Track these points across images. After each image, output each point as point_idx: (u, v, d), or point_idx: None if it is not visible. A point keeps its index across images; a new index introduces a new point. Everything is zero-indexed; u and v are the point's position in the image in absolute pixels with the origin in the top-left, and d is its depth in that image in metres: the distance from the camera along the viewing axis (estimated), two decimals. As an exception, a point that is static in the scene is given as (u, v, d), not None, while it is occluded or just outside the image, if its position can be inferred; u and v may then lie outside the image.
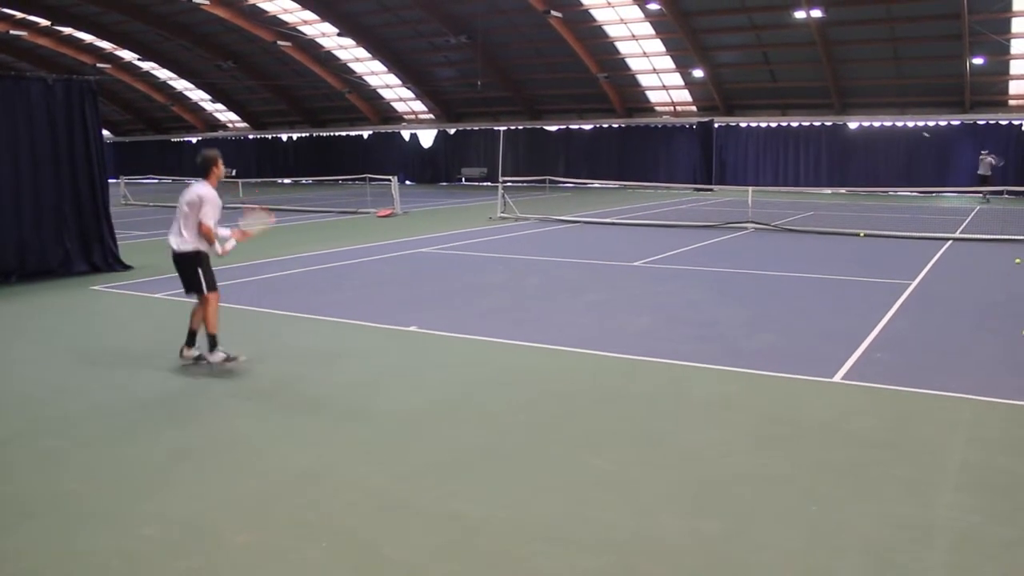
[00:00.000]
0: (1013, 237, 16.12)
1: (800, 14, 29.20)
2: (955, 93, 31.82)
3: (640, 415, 5.93)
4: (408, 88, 43.08)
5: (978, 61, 29.50)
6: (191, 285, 7.25)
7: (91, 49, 46.78)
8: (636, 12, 32.74)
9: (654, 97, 38.95)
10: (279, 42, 39.57)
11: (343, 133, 48.38)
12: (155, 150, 55.40)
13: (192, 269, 7.20)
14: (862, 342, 7.85)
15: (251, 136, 52.06)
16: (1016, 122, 31.66)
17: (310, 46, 41.24)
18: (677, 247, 15.41)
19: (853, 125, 34.76)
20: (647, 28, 33.86)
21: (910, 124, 33.65)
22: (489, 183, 39.82)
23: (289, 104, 48.27)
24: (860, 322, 8.70)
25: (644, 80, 37.87)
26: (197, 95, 51.55)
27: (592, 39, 35.32)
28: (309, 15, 37.89)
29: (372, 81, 43.92)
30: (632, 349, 7.67)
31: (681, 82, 37.00)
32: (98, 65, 46.38)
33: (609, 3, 32.61)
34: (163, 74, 48.96)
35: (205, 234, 7.04)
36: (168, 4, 37.81)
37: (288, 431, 5.59)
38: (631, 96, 38.99)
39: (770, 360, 7.30)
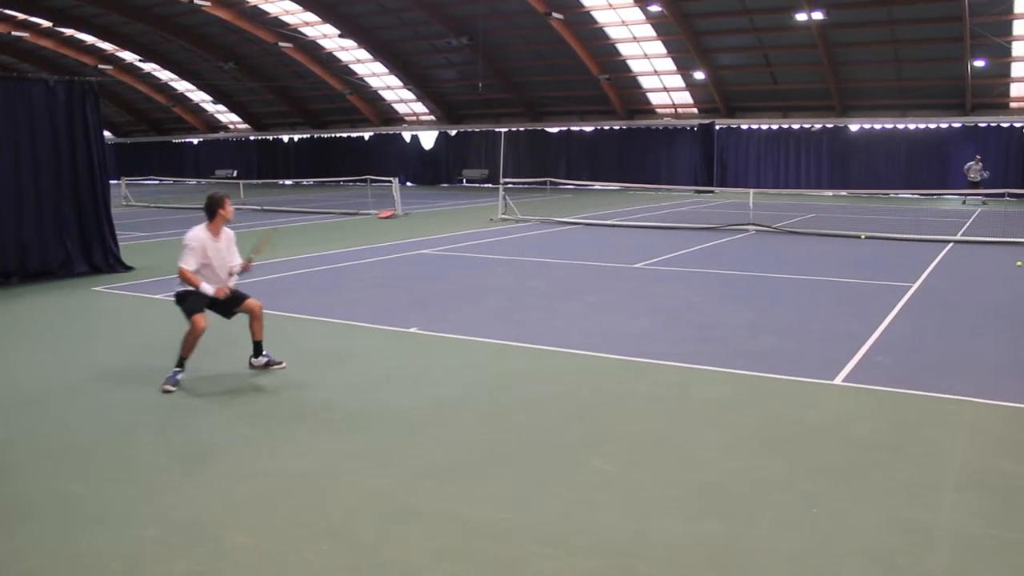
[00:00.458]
0: (1014, 240, 16.12)
1: (801, 16, 29.21)
2: (956, 95, 31.81)
3: (641, 417, 5.93)
4: (409, 90, 43.10)
5: (979, 63, 29.48)
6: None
7: (93, 50, 46.82)
8: (637, 14, 32.75)
9: (655, 99, 38.95)
10: (280, 44, 39.60)
11: (344, 134, 48.40)
12: (156, 151, 55.42)
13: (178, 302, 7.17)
14: (863, 344, 7.85)
15: (252, 137, 52.09)
16: (1017, 125, 31.63)
17: (311, 48, 41.27)
18: (678, 249, 15.41)
19: (854, 127, 34.75)
20: (648, 30, 33.87)
21: (911, 126, 33.65)
22: (490, 184, 39.85)
23: (290, 105, 48.31)
24: (861, 324, 8.70)
25: (645, 82, 37.88)
26: (198, 96, 51.58)
27: (593, 41, 35.34)
28: (311, 16, 37.92)
29: (373, 83, 43.94)
30: (633, 351, 7.67)
31: (682, 84, 37.00)
32: (100, 66, 46.43)
33: (610, 5, 32.62)
34: (164, 75, 49.00)
35: (182, 277, 6.95)
36: (170, 5, 37.83)
37: (288, 433, 5.59)
38: (632, 98, 39.00)
39: (771, 362, 7.29)
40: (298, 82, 44.80)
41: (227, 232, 7.19)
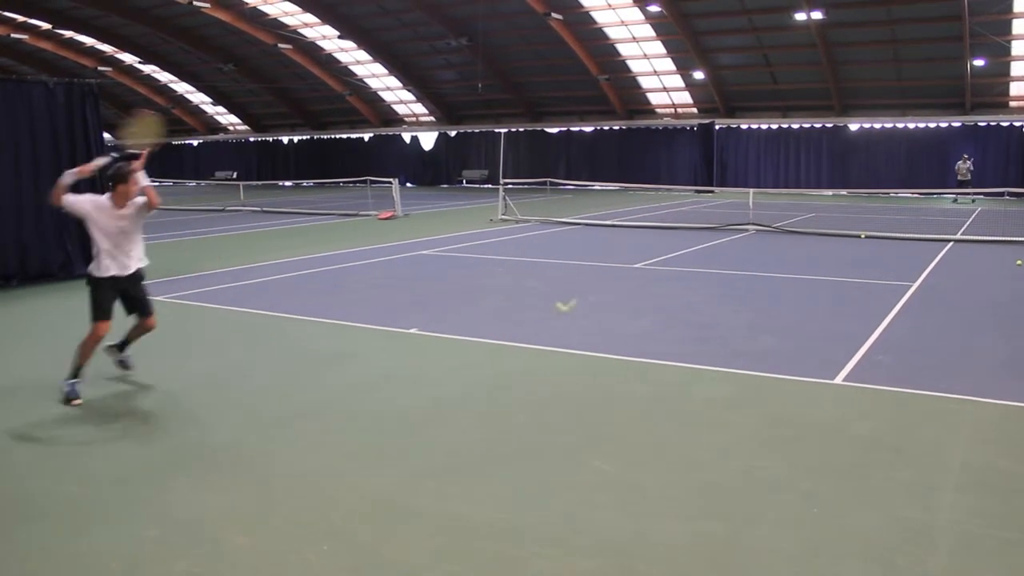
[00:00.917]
0: (1014, 239, 16.11)
1: (801, 16, 29.21)
2: (956, 95, 31.81)
3: (641, 417, 5.93)
4: (409, 90, 43.12)
5: (979, 63, 29.49)
6: (147, 304, 6.82)
7: (92, 52, 46.83)
8: (636, 14, 32.76)
9: (655, 99, 38.96)
10: (280, 45, 39.61)
11: (344, 136, 48.41)
12: (156, 153, 55.30)
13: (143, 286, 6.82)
14: (863, 344, 7.84)
15: (252, 139, 52.10)
16: (1017, 124, 31.63)
17: (311, 49, 41.27)
18: (678, 249, 15.41)
19: (854, 127, 34.75)
20: (648, 30, 33.88)
21: (911, 126, 33.66)
22: (490, 185, 39.86)
23: (290, 107, 48.32)
24: (861, 324, 8.69)
25: (645, 82, 37.89)
26: (198, 98, 51.61)
27: (592, 41, 35.34)
28: (310, 18, 37.93)
29: (373, 84, 43.95)
30: (633, 351, 7.67)
31: (682, 84, 37.01)
32: (99, 68, 46.45)
33: (609, 5, 32.63)
34: (164, 77, 49.02)
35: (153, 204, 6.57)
36: (169, 7, 37.84)
37: (288, 433, 5.59)
38: (632, 98, 39.01)
39: (771, 362, 7.29)
40: (298, 83, 44.81)
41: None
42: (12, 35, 43.32)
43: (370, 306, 10.07)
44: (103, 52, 46.66)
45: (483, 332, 8.49)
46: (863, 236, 17.10)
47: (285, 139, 50.72)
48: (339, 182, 39.57)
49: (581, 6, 32.96)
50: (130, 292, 6.70)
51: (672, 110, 39.07)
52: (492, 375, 7.12)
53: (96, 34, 43.23)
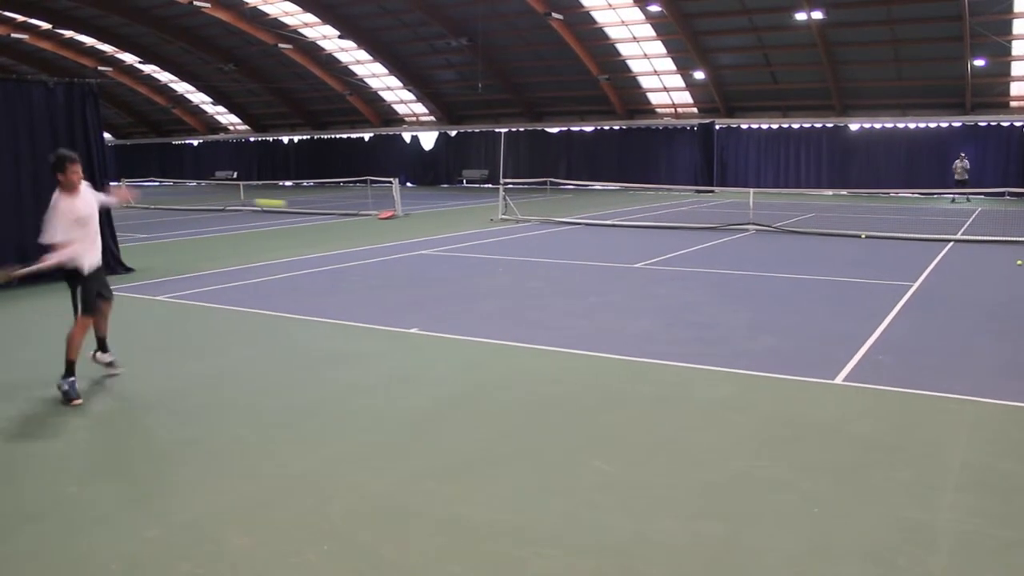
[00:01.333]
0: (1014, 239, 16.11)
1: (801, 16, 29.22)
2: (956, 95, 31.82)
3: (641, 417, 5.92)
4: (409, 90, 43.12)
5: (979, 63, 29.49)
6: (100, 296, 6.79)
7: (92, 52, 46.84)
8: (637, 14, 32.76)
9: (655, 99, 38.96)
10: (280, 45, 39.62)
11: (344, 135, 48.43)
12: (156, 153, 55.47)
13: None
14: (864, 344, 7.84)
15: (252, 139, 52.11)
16: (1017, 124, 31.64)
17: (311, 49, 41.28)
18: (678, 249, 15.41)
19: (854, 127, 34.76)
20: (648, 30, 33.88)
21: (911, 126, 33.66)
22: (490, 185, 39.85)
23: (290, 107, 48.33)
24: (862, 324, 8.69)
25: (645, 82, 37.89)
26: (198, 98, 51.61)
27: (593, 41, 35.34)
28: (310, 18, 37.93)
29: (373, 83, 43.96)
30: (633, 351, 7.67)
31: (682, 84, 37.01)
32: (99, 68, 46.45)
33: (610, 5, 32.63)
34: (164, 77, 49.02)
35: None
36: (169, 7, 37.85)
37: (288, 433, 5.59)
38: (632, 98, 39.01)
39: (772, 362, 7.29)
40: (298, 83, 44.81)
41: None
42: (12, 35, 43.32)
43: (370, 306, 10.07)
44: (103, 52, 46.66)
45: (483, 332, 8.49)
46: (863, 236, 17.10)
47: (285, 139, 50.73)
48: (339, 182, 39.56)
49: (581, 6, 32.96)
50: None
51: (672, 110, 39.07)
52: (492, 375, 7.12)
53: (96, 34, 43.24)
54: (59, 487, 4.72)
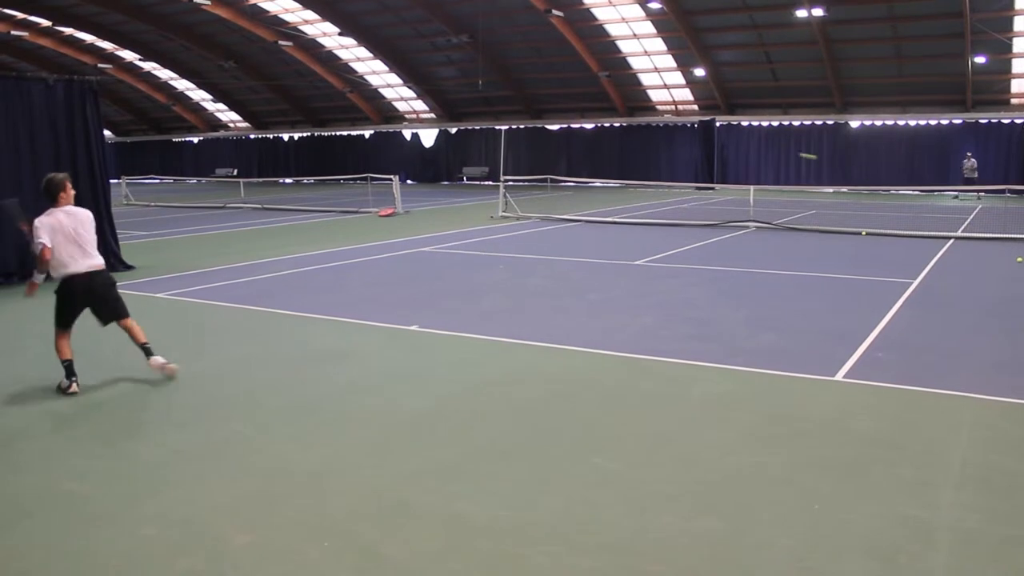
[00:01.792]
0: (1015, 236, 16.10)
1: (802, 13, 29.18)
2: (957, 92, 31.79)
3: (642, 414, 5.92)
4: (409, 87, 43.09)
5: (980, 60, 29.46)
6: (119, 310, 6.85)
7: (92, 49, 46.81)
8: (637, 11, 32.73)
9: (655, 96, 38.94)
10: (280, 42, 39.59)
11: (344, 133, 48.41)
12: (156, 150, 55.48)
13: (116, 289, 6.89)
14: (864, 341, 7.84)
15: (252, 136, 52.10)
16: (1018, 121, 31.62)
17: (311, 46, 41.25)
18: (678, 246, 15.40)
19: (855, 124, 34.74)
20: (648, 27, 33.85)
21: (912, 123, 33.63)
22: (490, 182, 39.84)
23: (290, 104, 48.30)
24: (862, 321, 8.69)
25: (645, 79, 37.86)
26: (198, 95, 51.59)
27: (593, 38, 35.31)
28: (310, 15, 37.90)
29: (373, 81, 43.93)
30: (633, 348, 7.66)
31: (683, 81, 36.98)
32: (99, 65, 46.42)
33: (610, 2, 32.60)
34: (164, 74, 49.01)
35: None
36: (169, 4, 37.83)
37: (288, 431, 5.59)
38: (632, 95, 38.98)
39: (772, 359, 7.29)
40: (298, 80, 44.80)
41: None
42: (12, 32, 43.30)
43: (371, 303, 10.07)
44: (103, 49, 46.65)
45: (484, 329, 8.49)
46: (864, 233, 17.09)
47: (285, 136, 50.73)
48: (339, 179, 39.57)
49: (582, 3, 32.93)
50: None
51: (673, 107, 39.04)
52: (493, 372, 7.12)
53: (96, 31, 43.22)
54: (57, 483, 4.72)
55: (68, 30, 44.07)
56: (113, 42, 44.82)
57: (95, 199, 12.77)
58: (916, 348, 7.75)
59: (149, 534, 4.06)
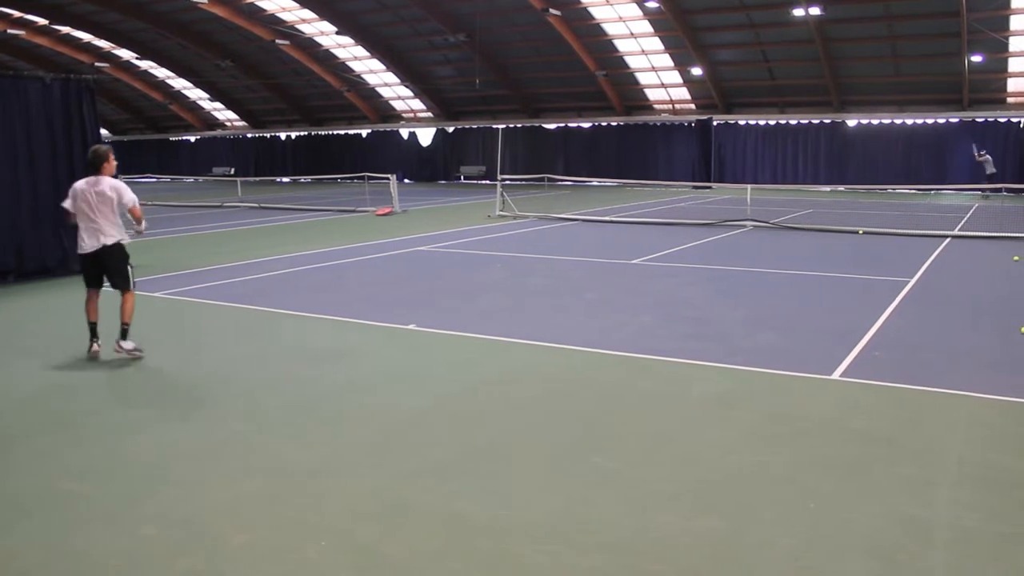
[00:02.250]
0: (1012, 234, 16.13)
1: (799, 12, 29.21)
2: (953, 91, 31.83)
3: (640, 413, 5.93)
4: (407, 86, 43.06)
5: (976, 59, 29.50)
6: (122, 280, 7.55)
7: (89, 48, 46.73)
8: (635, 10, 32.73)
9: (653, 95, 38.94)
10: (277, 41, 39.54)
11: (342, 132, 48.35)
12: (153, 149, 55.37)
13: (124, 262, 7.57)
14: (861, 339, 7.85)
15: (249, 135, 52.03)
16: (1015, 120, 31.67)
17: (308, 45, 41.20)
18: (676, 245, 15.41)
19: (852, 123, 34.77)
20: (646, 26, 33.85)
21: (908, 122, 33.68)
22: (488, 181, 39.82)
23: (288, 103, 48.24)
24: (859, 319, 8.70)
25: (643, 78, 37.87)
26: (195, 94, 51.51)
27: (591, 37, 35.31)
28: (307, 13, 37.85)
29: (371, 80, 43.89)
30: (631, 347, 7.67)
31: (680, 80, 36.99)
32: (96, 64, 46.33)
33: (608, 1, 32.59)
34: (161, 73, 48.93)
35: (137, 217, 7.73)
36: (166, 3, 37.77)
37: (287, 430, 5.58)
38: (630, 94, 38.98)
39: (769, 358, 7.30)
40: (295, 79, 44.75)
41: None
42: (9, 31, 43.20)
43: (368, 302, 10.06)
44: (100, 48, 46.56)
45: (481, 328, 8.49)
46: (861, 232, 17.11)
47: (283, 135, 50.67)
48: (337, 178, 39.53)
49: (579, 2, 32.93)
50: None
51: (670, 106, 39.06)
52: (491, 371, 7.12)
53: (93, 30, 43.14)
54: (56, 483, 4.71)
55: (65, 28, 43.98)
56: (110, 40, 44.74)
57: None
58: (913, 346, 7.77)
59: (148, 534, 4.06)
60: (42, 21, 42.66)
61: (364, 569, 3.76)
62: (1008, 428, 5.55)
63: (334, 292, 10.87)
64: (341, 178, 39.20)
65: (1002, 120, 31.92)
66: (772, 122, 36.51)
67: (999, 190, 24.18)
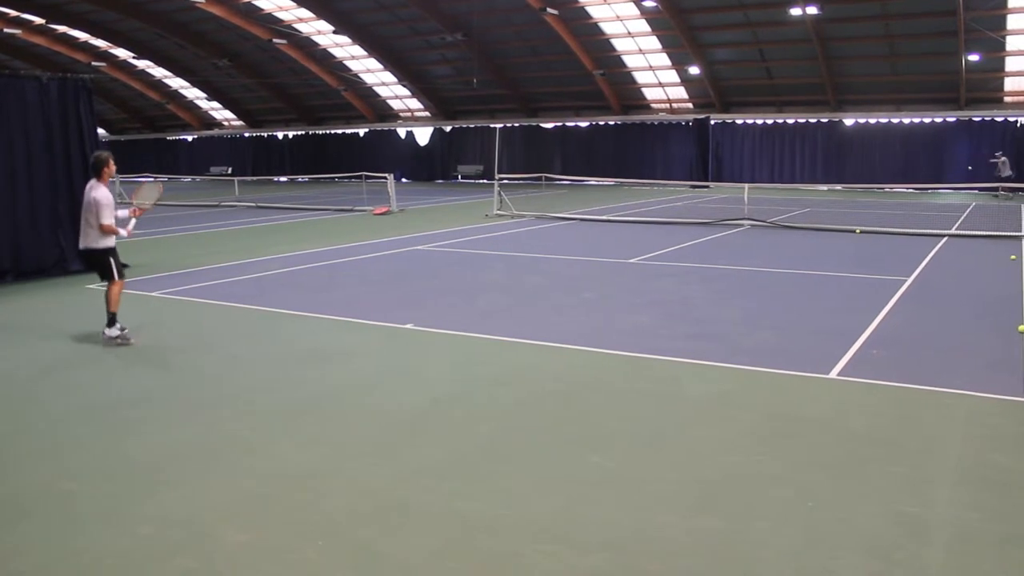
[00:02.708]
0: (1009, 233, 16.16)
1: (796, 11, 29.24)
2: (950, 90, 31.87)
3: (639, 413, 5.93)
4: (404, 86, 43.04)
5: (973, 58, 29.55)
6: (106, 272, 8.26)
7: (86, 47, 46.65)
8: (632, 9, 32.73)
9: (650, 94, 38.96)
10: (275, 40, 39.50)
11: (339, 131, 48.32)
12: (151, 148, 55.29)
13: (102, 261, 8.25)
14: (858, 338, 7.86)
15: (247, 134, 51.98)
16: (1012, 119, 31.72)
17: (306, 44, 41.17)
18: (673, 244, 15.42)
19: (849, 122, 34.81)
20: (643, 25, 33.86)
21: (906, 121, 33.72)
22: (485, 181, 39.81)
23: (285, 102, 48.20)
24: (856, 318, 8.71)
25: (640, 77, 37.88)
26: (193, 93, 51.45)
27: (588, 36, 35.31)
28: (305, 13, 37.82)
29: (368, 79, 43.86)
30: (629, 346, 7.67)
31: (677, 79, 37.01)
32: (93, 63, 46.27)
33: (605, 0, 32.59)
34: (158, 72, 48.86)
35: (107, 232, 8.11)
36: (164, 2, 37.72)
37: (285, 430, 5.58)
38: (627, 93, 38.99)
39: (767, 357, 7.30)
40: (293, 79, 44.71)
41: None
42: (5, 30, 43.12)
43: (366, 302, 10.06)
44: (97, 47, 46.49)
45: (479, 328, 8.49)
46: (858, 231, 17.14)
47: (280, 134, 50.63)
48: (334, 177, 39.51)
49: (576, 1, 32.93)
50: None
51: (667, 105, 39.07)
52: (489, 371, 7.12)
53: (90, 29, 43.06)
54: (55, 483, 4.71)
55: (62, 28, 43.89)
56: (107, 40, 44.66)
57: (89, 198, 12.73)
58: (911, 345, 7.78)
59: (146, 533, 4.06)
60: (39, 20, 42.58)
61: (363, 569, 3.76)
62: (1006, 427, 5.56)
63: (331, 291, 10.87)
64: (338, 177, 39.19)
65: (999, 119, 31.97)
66: (769, 121, 36.54)
67: (1013, 191, 24.13)
